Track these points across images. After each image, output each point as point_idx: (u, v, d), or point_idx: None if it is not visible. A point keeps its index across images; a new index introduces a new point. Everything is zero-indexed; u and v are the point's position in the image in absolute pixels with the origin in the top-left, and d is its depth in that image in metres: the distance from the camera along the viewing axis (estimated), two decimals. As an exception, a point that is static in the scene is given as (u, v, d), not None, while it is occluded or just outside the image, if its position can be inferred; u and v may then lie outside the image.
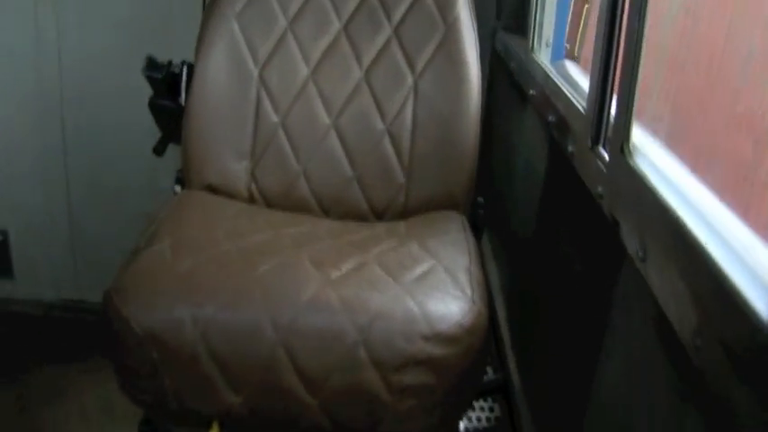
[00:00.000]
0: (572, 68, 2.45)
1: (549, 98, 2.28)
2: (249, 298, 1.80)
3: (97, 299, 3.39)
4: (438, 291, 1.85)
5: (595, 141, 1.79)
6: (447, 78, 2.43)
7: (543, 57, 2.62)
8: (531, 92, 2.51)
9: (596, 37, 1.80)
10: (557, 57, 2.61)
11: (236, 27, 2.43)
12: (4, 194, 3.51)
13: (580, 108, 1.95)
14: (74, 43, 3.24)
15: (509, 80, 2.79)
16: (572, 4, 2.63)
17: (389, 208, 2.47)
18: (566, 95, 2.12)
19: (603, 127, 1.78)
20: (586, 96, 1.90)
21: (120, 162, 3.35)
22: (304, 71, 2.46)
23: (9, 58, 3.30)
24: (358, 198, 2.47)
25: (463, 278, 1.92)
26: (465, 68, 2.42)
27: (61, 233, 3.55)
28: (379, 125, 2.45)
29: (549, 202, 2.34)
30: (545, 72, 2.39)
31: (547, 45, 2.62)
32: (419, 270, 1.93)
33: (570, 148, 1.99)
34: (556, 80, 2.27)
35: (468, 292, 1.88)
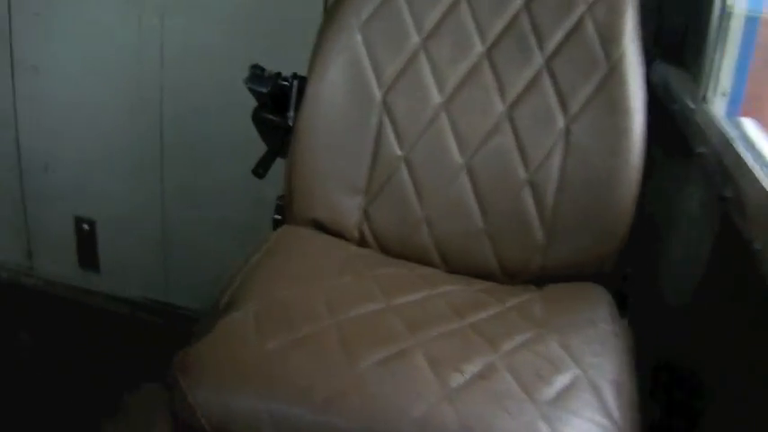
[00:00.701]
0: (757, 133, 1.98)
1: (727, 168, 1.85)
2: (346, 404, 1.42)
3: (186, 303, 3.16)
4: (579, 417, 1.46)
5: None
6: (605, 128, 1.99)
7: (717, 109, 2.14)
8: (701, 149, 2.05)
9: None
10: (733, 111, 2.14)
11: (359, 40, 2.03)
12: (94, 183, 3.17)
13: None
14: (178, 34, 2.87)
15: (669, 124, 2.31)
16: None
17: (523, 270, 2.05)
18: (754, 176, 1.70)
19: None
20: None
21: (218, 163, 2.99)
22: (436, 99, 2.04)
23: (111, 43, 2.96)
24: (487, 255, 2.06)
25: (610, 397, 1.52)
26: (628, 118, 1.98)
27: (152, 230, 3.19)
28: (521, 172, 2.03)
29: (716, 299, 1.93)
30: (722, 133, 1.94)
31: (723, 95, 2.15)
32: (559, 383, 1.53)
33: (757, 245, 1.58)
34: (739, 149, 1.85)
35: (616, 415, 1.49)
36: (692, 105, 2.17)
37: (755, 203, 1.65)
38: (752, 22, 2.14)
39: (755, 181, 1.69)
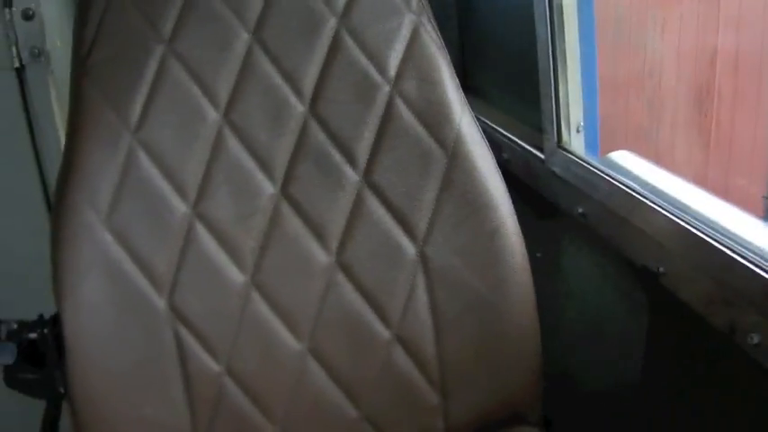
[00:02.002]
0: (652, 171, 1.46)
1: (643, 231, 1.43)
2: None
3: None
4: None
5: None
6: (469, 235, 1.42)
7: (575, 149, 1.60)
8: (580, 210, 1.50)
9: None
10: (592, 150, 1.60)
11: (109, 239, 1.35)
12: None
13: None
14: None
15: (522, 188, 1.75)
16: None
17: None
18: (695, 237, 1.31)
19: None
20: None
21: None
22: (238, 278, 1.40)
23: None
24: None
25: None
26: (492, 212, 1.42)
27: None
28: (382, 331, 1.43)
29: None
30: (611, 184, 1.48)
31: (578, 131, 1.59)
32: None
33: (754, 338, 1.23)
34: (651, 200, 1.42)
35: None
36: (542, 156, 1.61)
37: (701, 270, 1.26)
38: (587, 6, 1.59)
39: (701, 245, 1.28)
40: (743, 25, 3.72)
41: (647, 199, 1.43)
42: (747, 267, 1.24)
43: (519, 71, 1.74)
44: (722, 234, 1.33)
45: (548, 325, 1.49)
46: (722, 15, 3.77)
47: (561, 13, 1.61)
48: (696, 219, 1.37)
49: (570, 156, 1.61)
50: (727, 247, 1.29)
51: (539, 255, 1.66)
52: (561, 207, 1.63)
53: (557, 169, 1.63)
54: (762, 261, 1.24)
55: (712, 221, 1.36)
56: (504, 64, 1.91)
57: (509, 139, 1.80)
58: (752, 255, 1.26)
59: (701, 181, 3.82)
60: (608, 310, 1.69)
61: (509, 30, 1.83)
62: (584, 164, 1.57)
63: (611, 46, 4.05)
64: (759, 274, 1.22)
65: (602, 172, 1.53)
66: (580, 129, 1.64)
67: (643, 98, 4.12)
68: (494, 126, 1.86)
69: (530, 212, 1.73)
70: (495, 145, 1.82)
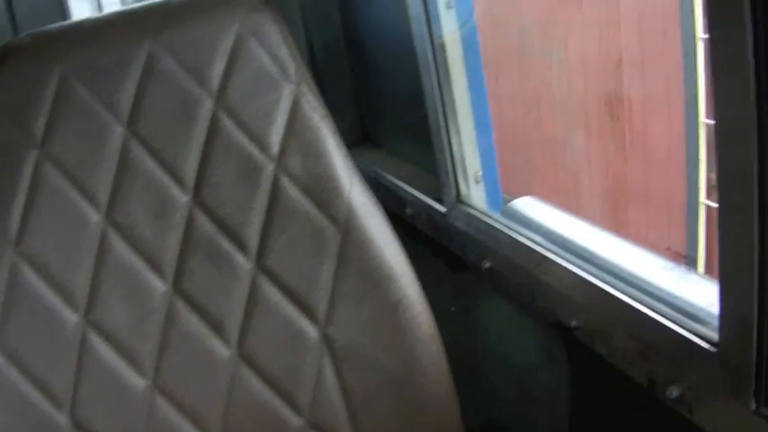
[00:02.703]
0: (559, 219, 1.40)
1: (552, 286, 1.36)
2: None
3: None
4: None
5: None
6: (371, 309, 1.35)
7: (475, 200, 1.53)
8: (487, 265, 1.43)
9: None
10: (494, 198, 1.53)
11: (0, 360, 1.25)
12: None
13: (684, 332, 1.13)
14: None
15: (424, 247, 1.67)
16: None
17: None
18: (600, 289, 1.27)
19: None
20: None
21: None
22: (139, 385, 1.31)
23: None
24: None
25: None
26: (391, 282, 1.35)
27: None
28: (294, 421, 1.35)
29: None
30: (514, 238, 1.43)
31: (476, 181, 1.53)
32: None
33: (673, 392, 1.16)
34: (557, 254, 1.36)
35: None
36: (442, 209, 1.54)
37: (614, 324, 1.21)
38: (473, 53, 1.52)
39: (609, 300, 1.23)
40: (644, 28, 3.69)
41: (552, 252, 1.37)
42: (657, 321, 1.18)
43: (417, 121, 1.67)
44: (632, 286, 1.27)
45: (470, 380, 1.42)
46: (623, 20, 3.75)
47: (446, 63, 1.54)
48: (604, 270, 1.31)
49: (470, 210, 1.54)
50: (637, 300, 1.23)
51: (453, 309, 1.59)
52: (469, 261, 1.56)
53: (459, 224, 1.56)
54: (671, 313, 1.18)
55: (621, 271, 1.30)
56: (402, 115, 1.84)
57: (411, 194, 1.72)
58: (662, 307, 1.20)
59: (623, 188, 3.79)
60: (529, 364, 1.62)
61: (403, 80, 1.76)
62: (486, 218, 1.50)
63: (517, 63, 4.01)
64: (670, 327, 1.16)
65: (505, 225, 1.46)
66: (479, 179, 1.57)
67: (555, 109, 4.08)
68: (396, 182, 1.78)
69: (440, 266, 1.65)
70: (399, 201, 1.74)
